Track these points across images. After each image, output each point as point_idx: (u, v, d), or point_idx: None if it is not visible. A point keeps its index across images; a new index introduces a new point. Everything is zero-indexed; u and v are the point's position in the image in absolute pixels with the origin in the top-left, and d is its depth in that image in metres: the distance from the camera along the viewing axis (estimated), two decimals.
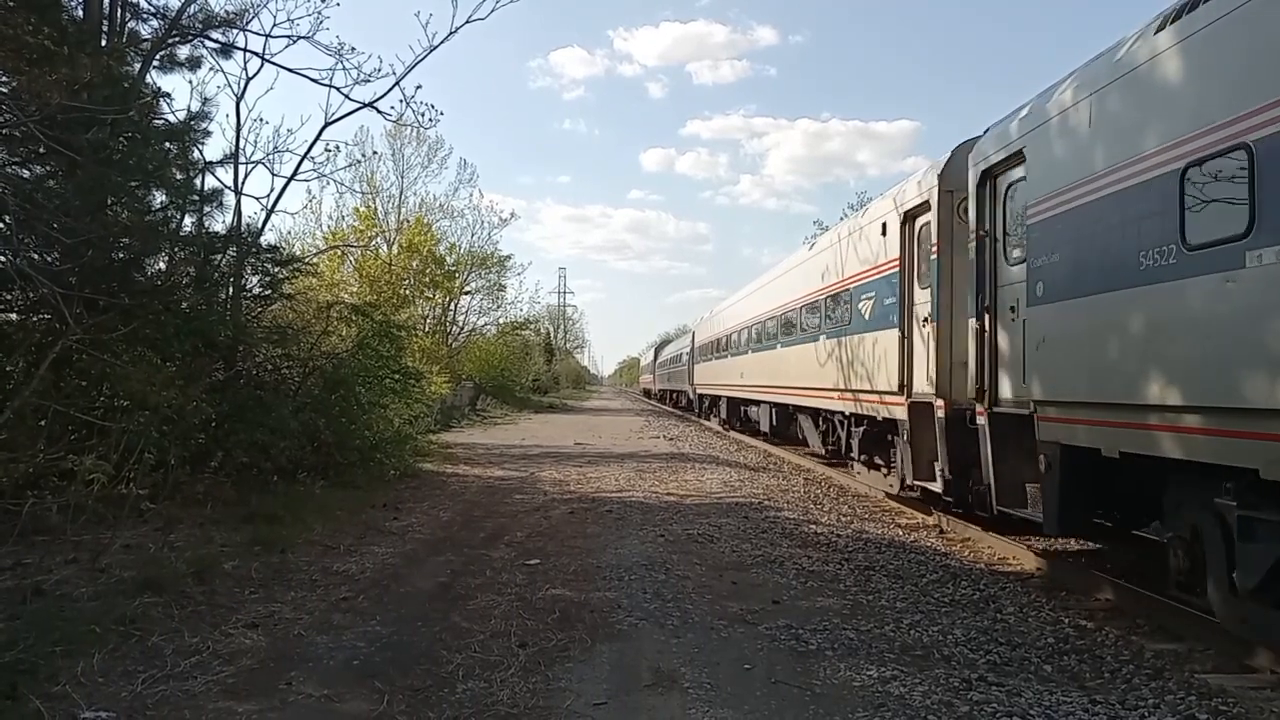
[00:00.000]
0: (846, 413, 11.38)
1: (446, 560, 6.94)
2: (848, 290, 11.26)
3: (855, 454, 11.30)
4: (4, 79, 7.28)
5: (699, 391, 31.04)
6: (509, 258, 37.46)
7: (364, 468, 11.14)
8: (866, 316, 10.35)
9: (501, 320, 38.77)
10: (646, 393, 65.49)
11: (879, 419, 10.04)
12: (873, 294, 10.18)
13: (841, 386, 11.35)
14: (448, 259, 31.39)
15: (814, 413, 13.67)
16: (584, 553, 7.22)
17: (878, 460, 10.65)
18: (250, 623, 5.04)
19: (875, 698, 4.07)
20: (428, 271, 28.62)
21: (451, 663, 4.46)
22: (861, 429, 10.89)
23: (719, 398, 25.73)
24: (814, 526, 8.73)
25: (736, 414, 22.76)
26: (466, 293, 34.68)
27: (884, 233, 9.81)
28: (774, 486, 11.83)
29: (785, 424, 16.72)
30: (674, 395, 43.96)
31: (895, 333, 9.29)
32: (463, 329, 36.21)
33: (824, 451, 13.68)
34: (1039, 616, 5.58)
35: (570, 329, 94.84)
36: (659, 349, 55.56)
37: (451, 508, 9.67)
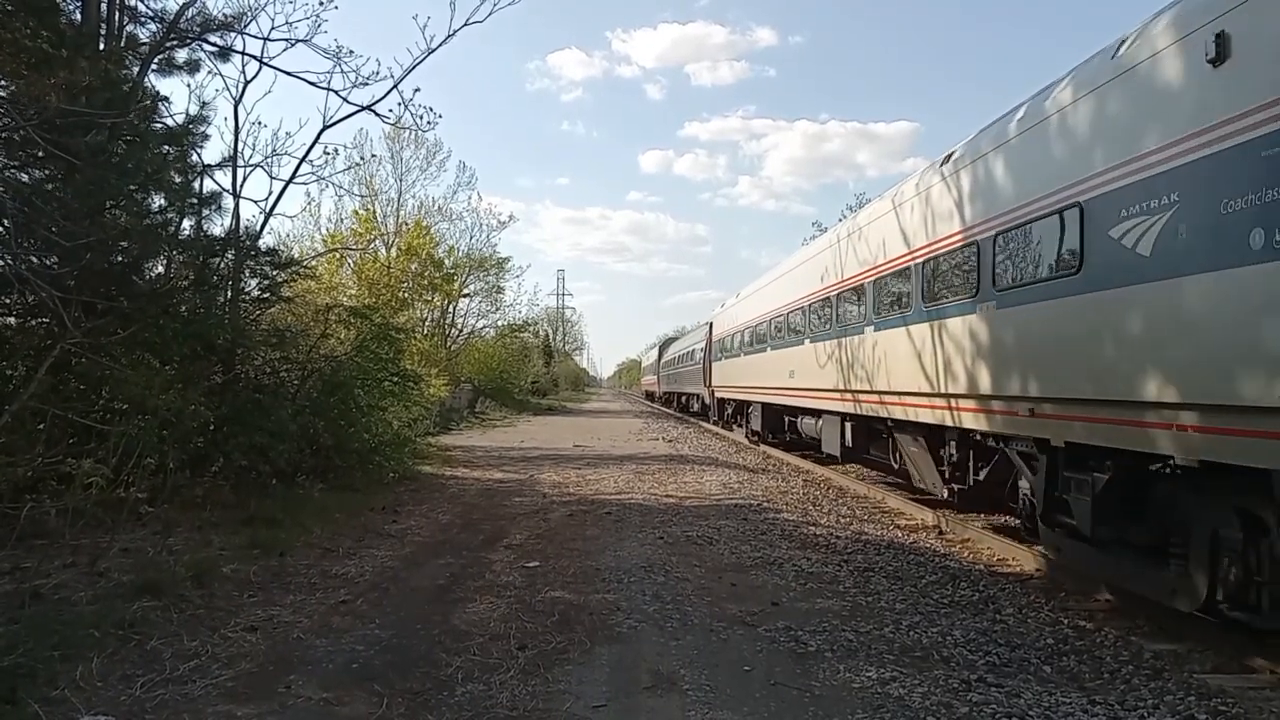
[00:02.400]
0: (1052, 442, 6.16)
1: (445, 563, 6.94)
2: (1069, 208, 5.93)
3: (1087, 522, 5.71)
4: (3, 83, 7.29)
5: (719, 395, 25.57)
6: (508, 260, 37.72)
7: (363, 470, 11.14)
8: (1146, 251, 5.09)
9: (500, 323, 38.88)
10: (649, 395, 61.69)
11: (1192, 462, 4.77)
12: (1170, 200, 4.91)
13: (1033, 394, 6.39)
14: (446, 262, 31.43)
15: (935, 431, 8.83)
16: (583, 555, 7.22)
17: (1129, 536, 5.58)
18: (249, 626, 5.04)
19: (874, 699, 4.08)
20: (426, 274, 28.64)
21: (451, 665, 4.46)
22: (1102, 475, 5.64)
23: (748, 403, 20.39)
24: (813, 528, 8.73)
25: (776, 425, 17.58)
26: (465, 295, 34.78)
27: (1218, 55, 4.57)
28: (773, 488, 11.83)
29: (866, 443, 11.56)
30: (683, 399, 38.79)
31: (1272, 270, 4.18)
32: (461, 331, 36.26)
33: (943, 494, 8.97)
34: (1038, 617, 5.59)
35: (569, 331, 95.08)
36: (663, 347, 51.17)
37: (450, 510, 9.67)
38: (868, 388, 10.42)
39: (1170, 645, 5.01)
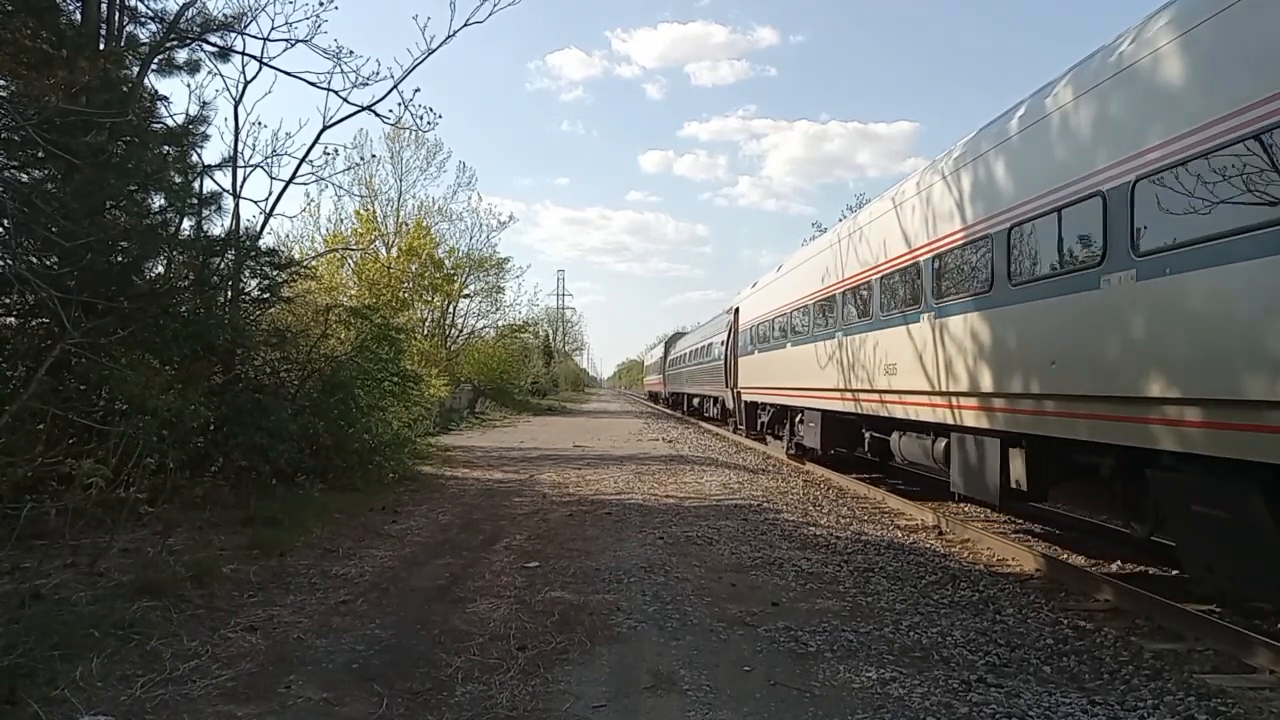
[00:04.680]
0: None
1: (445, 563, 6.94)
2: None
3: None
4: (3, 83, 7.29)
5: (747, 398, 20.13)
6: (508, 260, 37.74)
7: (363, 471, 11.14)
8: None
9: (500, 323, 38.87)
10: (653, 397, 58.19)
11: None
12: None
13: None
14: (446, 262, 31.42)
15: None
16: (583, 555, 7.22)
17: None
18: (249, 626, 5.04)
19: (874, 699, 4.07)
20: (426, 274, 28.64)
21: (450, 665, 4.46)
22: None
23: (798, 410, 14.85)
24: (813, 528, 8.73)
25: (846, 440, 12.64)
26: (465, 295, 34.78)
27: None
28: (773, 488, 11.83)
29: (1047, 479, 7.03)
30: (694, 401, 33.99)
31: None
32: (461, 331, 36.26)
33: None
34: (1038, 617, 5.59)
35: (569, 331, 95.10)
36: (670, 343, 46.74)
37: (450, 510, 9.67)
38: (1130, 393, 5.48)
39: (1170, 645, 5.00)
